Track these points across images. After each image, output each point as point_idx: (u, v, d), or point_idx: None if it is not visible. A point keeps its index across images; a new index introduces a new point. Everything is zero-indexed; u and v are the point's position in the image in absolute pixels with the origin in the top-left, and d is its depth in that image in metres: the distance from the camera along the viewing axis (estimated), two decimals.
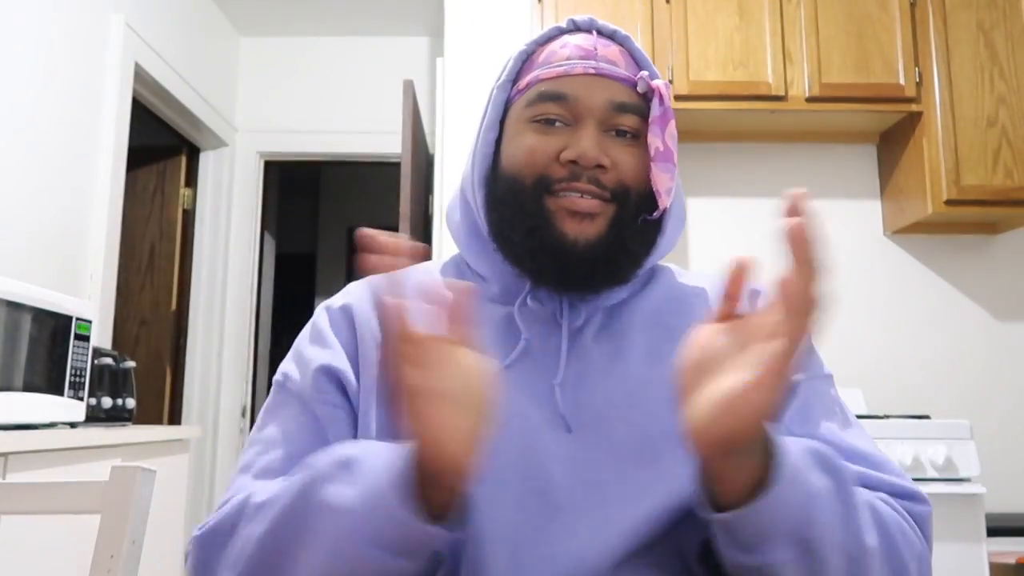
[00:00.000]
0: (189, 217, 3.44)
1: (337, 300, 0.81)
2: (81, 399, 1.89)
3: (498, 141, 0.81)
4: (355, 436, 0.73)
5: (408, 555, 0.56)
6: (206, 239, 3.44)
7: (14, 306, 1.68)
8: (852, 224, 2.78)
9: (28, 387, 1.72)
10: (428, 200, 3.06)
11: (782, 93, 2.49)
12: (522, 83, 0.80)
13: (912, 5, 2.55)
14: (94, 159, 2.54)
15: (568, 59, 0.78)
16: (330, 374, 0.74)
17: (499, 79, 0.82)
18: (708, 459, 0.56)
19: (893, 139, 2.70)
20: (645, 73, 0.78)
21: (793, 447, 0.58)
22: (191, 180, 3.48)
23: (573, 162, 0.73)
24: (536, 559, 0.65)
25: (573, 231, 0.73)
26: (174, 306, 3.34)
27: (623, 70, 0.78)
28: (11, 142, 2.15)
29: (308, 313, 5.32)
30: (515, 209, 0.75)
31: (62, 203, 2.37)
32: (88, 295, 2.47)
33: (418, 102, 3.04)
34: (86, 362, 1.92)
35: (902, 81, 2.50)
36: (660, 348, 0.74)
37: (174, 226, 3.38)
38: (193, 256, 3.42)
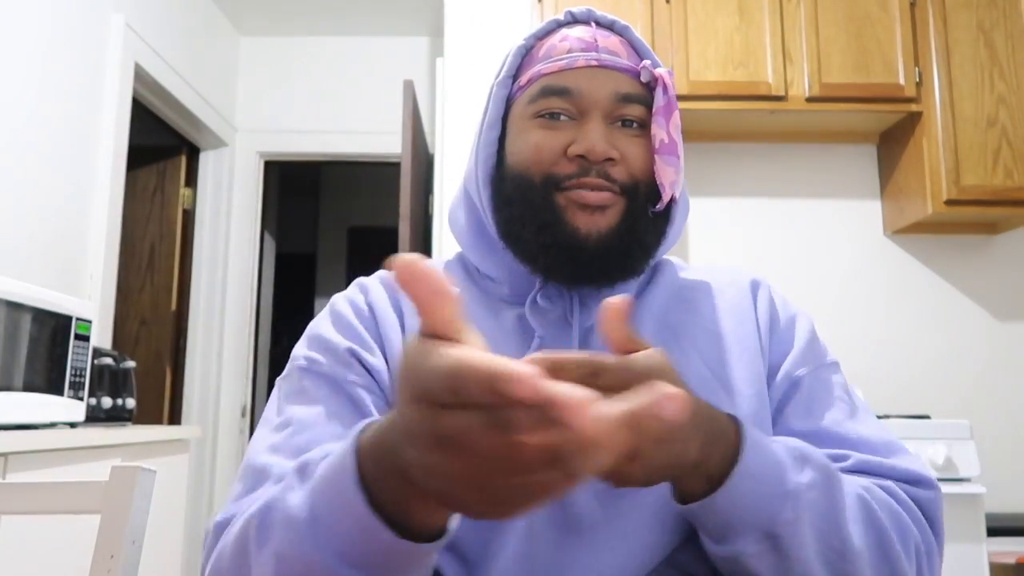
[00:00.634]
0: (189, 217, 3.44)
1: (353, 290, 0.80)
2: (81, 399, 1.89)
3: (502, 139, 0.79)
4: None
5: (387, 571, 0.50)
6: (206, 239, 3.44)
7: (14, 306, 1.68)
8: (852, 224, 2.78)
9: (28, 387, 1.72)
10: (428, 200, 3.06)
11: (782, 93, 2.49)
12: (523, 79, 0.78)
13: (912, 5, 2.55)
14: (94, 159, 2.54)
15: (569, 52, 0.76)
16: (360, 358, 0.72)
17: (498, 75, 0.81)
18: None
19: (893, 139, 2.70)
20: (648, 62, 0.77)
21: (771, 444, 0.59)
22: (191, 180, 3.48)
23: (581, 156, 0.72)
24: None
25: (585, 225, 0.72)
26: (174, 306, 3.34)
27: (625, 60, 0.77)
28: (11, 142, 2.15)
29: (308, 313, 5.32)
30: (524, 207, 0.74)
31: (62, 203, 2.37)
32: (88, 295, 2.47)
33: (418, 102, 3.04)
34: (86, 362, 1.92)
35: (902, 81, 2.50)
36: (669, 352, 0.73)
37: (174, 226, 3.38)
38: (193, 256, 3.42)
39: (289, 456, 0.65)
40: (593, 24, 0.80)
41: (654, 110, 0.75)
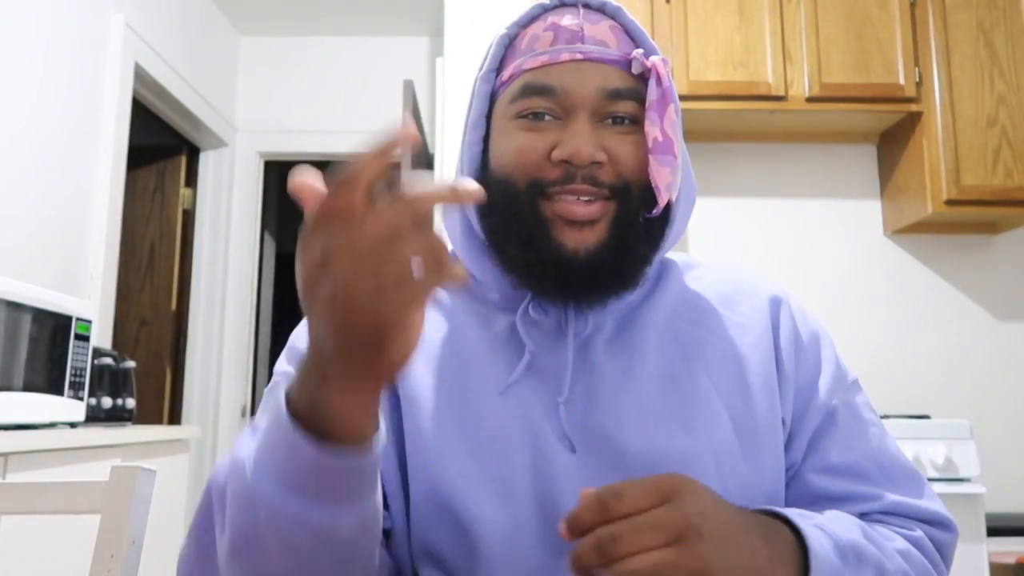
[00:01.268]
0: (189, 217, 3.44)
1: None
2: (81, 399, 1.89)
3: (487, 138, 0.74)
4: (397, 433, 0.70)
5: (320, 495, 0.50)
6: (206, 239, 3.44)
7: (14, 306, 1.68)
8: (852, 224, 2.78)
9: (28, 387, 1.72)
10: None
11: (782, 93, 2.49)
12: (505, 73, 0.72)
13: (912, 5, 2.55)
14: (94, 159, 2.53)
15: (552, 45, 0.70)
16: None
17: (481, 68, 0.74)
18: None
19: (893, 139, 2.70)
20: (640, 51, 0.69)
21: (831, 557, 0.58)
22: (191, 180, 3.48)
23: (566, 161, 0.67)
24: None
25: (572, 242, 0.67)
26: (174, 306, 3.34)
27: (614, 50, 0.70)
28: (11, 142, 2.15)
29: None
30: (509, 217, 0.68)
31: (62, 203, 2.37)
32: (88, 295, 2.47)
33: (418, 102, 3.04)
34: (86, 362, 1.92)
35: (902, 81, 2.50)
36: (675, 370, 0.70)
37: (174, 226, 3.38)
38: (193, 256, 3.42)
39: None
40: (581, 8, 0.72)
41: (647, 104, 0.68)
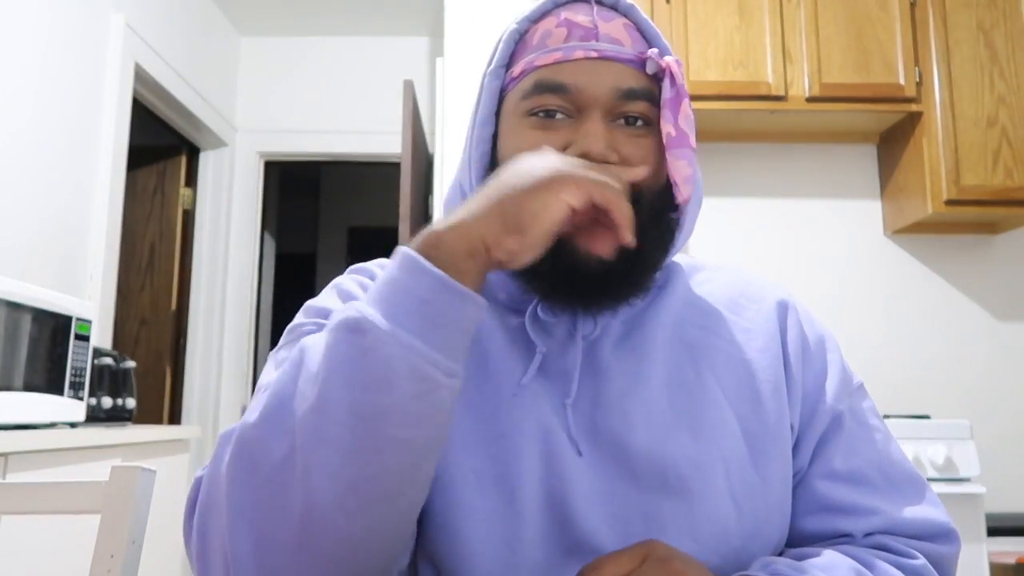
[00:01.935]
0: (189, 217, 3.45)
1: (354, 273, 0.76)
2: (81, 399, 1.89)
3: (496, 136, 0.72)
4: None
5: (447, 345, 0.54)
6: (206, 239, 3.44)
7: (14, 306, 1.68)
8: (852, 224, 2.78)
9: (28, 387, 1.72)
10: (428, 200, 3.06)
11: (782, 93, 2.49)
12: (516, 70, 0.70)
13: (912, 5, 2.55)
14: (94, 159, 2.54)
15: (566, 41, 0.68)
16: None
17: (490, 64, 0.73)
18: None
19: (893, 139, 2.70)
20: (655, 51, 0.68)
21: None
22: (191, 180, 3.48)
23: None
24: None
25: (584, 247, 0.64)
26: (174, 306, 3.34)
27: (629, 49, 0.68)
28: (11, 142, 2.15)
29: None
30: None
31: (62, 203, 2.37)
32: (88, 295, 2.47)
33: (418, 102, 3.04)
34: (86, 362, 1.92)
35: (902, 81, 2.50)
36: (683, 374, 0.70)
37: (174, 226, 3.38)
38: (193, 256, 3.42)
39: None
40: (594, 4, 0.70)
41: (662, 103, 0.67)
